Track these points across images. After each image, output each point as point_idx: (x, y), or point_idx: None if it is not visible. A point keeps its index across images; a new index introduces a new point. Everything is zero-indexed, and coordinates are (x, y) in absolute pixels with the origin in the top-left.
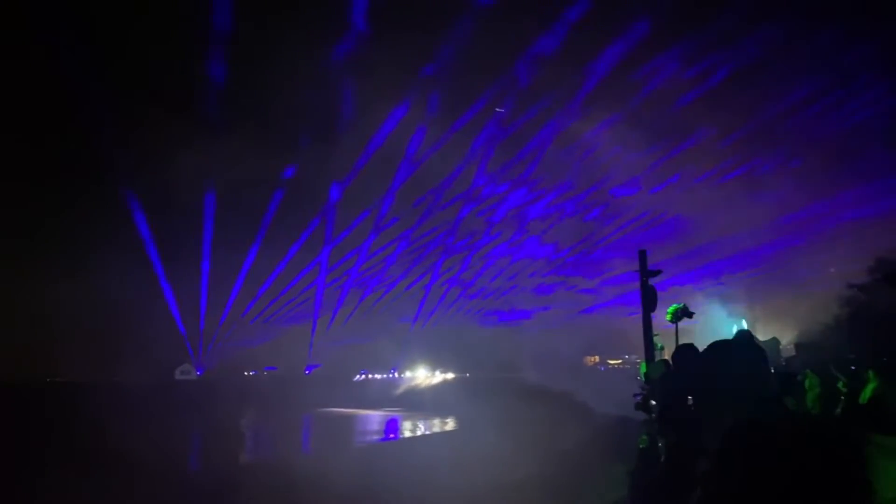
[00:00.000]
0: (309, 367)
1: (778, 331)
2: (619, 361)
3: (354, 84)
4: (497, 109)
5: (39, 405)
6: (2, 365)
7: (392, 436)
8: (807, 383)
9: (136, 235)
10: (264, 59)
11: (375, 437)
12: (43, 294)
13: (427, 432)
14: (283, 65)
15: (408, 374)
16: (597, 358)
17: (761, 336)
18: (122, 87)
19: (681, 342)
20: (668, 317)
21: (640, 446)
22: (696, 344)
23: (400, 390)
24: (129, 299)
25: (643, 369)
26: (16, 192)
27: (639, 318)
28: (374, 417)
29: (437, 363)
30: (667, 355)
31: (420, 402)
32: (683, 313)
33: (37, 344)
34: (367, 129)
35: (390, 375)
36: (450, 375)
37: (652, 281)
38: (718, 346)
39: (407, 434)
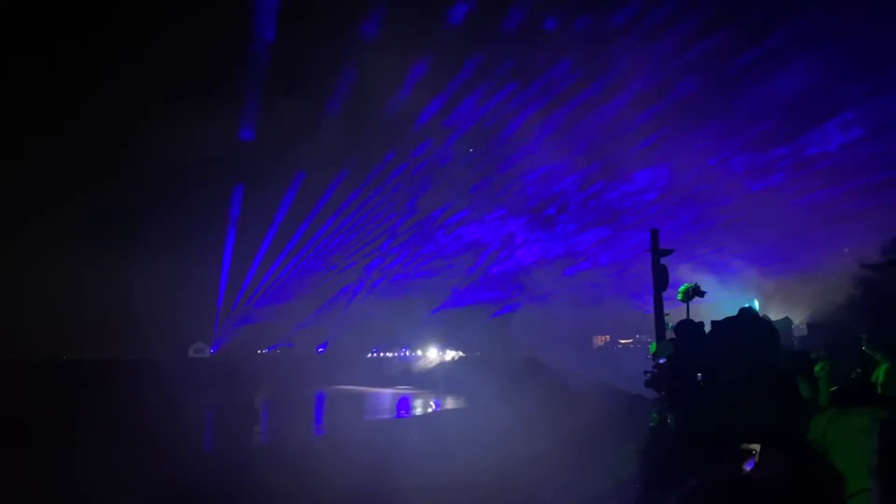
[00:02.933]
0: (322, 346)
1: (790, 310)
2: (630, 341)
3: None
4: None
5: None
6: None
7: (404, 412)
8: (818, 369)
9: (170, 218)
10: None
11: (388, 414)
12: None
13: (439, 409)
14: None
15: (419, 352)
16: (607, 337)
17: (773, 316)
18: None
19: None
20: (680, 296)
21: (651, 424)
22: (706, 323)
23: (411, 368)
24: (153, 281)
25: (653, 348)
26: (40, 180)
27: (649, 298)
28: (387, 395)
29: (447, 342)
30: None
31: (431, 381)
32: (695, 292)
33: (68, 322)
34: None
35: (402, 354)
36: (460, 354)
37: (663, 260)
38: (724, 324)
39: (419, 412)
